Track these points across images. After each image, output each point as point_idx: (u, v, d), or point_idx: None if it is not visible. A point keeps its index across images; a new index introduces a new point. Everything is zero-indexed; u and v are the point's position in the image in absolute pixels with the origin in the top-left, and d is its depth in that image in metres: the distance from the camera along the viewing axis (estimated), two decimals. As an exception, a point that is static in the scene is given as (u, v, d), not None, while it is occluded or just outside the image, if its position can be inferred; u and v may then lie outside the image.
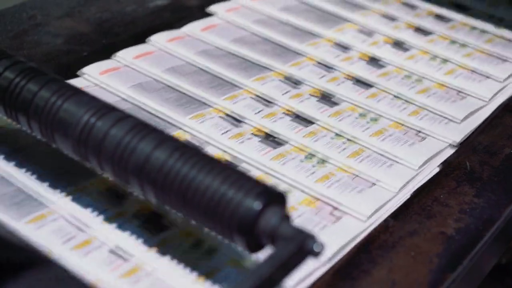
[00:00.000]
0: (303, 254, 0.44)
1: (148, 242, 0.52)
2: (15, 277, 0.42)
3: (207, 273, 0.50)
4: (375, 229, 0.56)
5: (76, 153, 0.51)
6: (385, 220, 0.57)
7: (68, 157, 0.54)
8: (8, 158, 0.58)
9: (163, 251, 0.51)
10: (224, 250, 0.51)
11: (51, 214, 0.53)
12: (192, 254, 0.51)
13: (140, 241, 0.52)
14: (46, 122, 0.52)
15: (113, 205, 0.55)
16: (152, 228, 0.53)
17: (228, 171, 0.46)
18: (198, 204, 0.46)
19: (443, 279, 0.52)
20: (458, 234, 0.56)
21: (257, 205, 0.44)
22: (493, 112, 0.72)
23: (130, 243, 0.52)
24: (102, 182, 0.56)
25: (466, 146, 0.66)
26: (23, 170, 0.57)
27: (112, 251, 0.51)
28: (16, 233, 0.49)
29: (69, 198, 0.55)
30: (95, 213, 0.54)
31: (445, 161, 0.64)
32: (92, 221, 0.53)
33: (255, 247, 0.45)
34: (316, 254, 0.43)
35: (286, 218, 0.45)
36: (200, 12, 0.86)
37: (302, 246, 0.43)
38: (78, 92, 0.52)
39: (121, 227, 0.53)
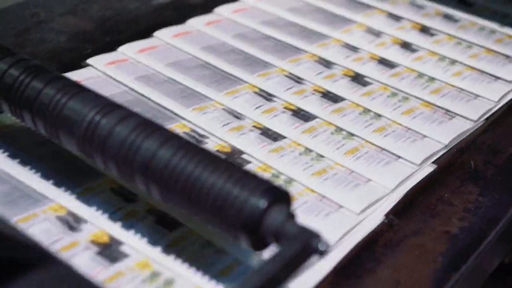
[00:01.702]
0: (308, 253, 0.43)
1: (161, 241, 0.52)
2: (18, 276, 0.42)
3: (221, 271, 0.50)
4: (379, 228, 0.56)
5: (80, 151, 0.51)
6: (389, 219, 0.57)
7: (71, 158, 0.54)
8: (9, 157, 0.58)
9: (176, 250, 0.51)
10: (235, 249, 0.51)
11: (44, 213, 0.53)
12: (205, 252, 0.51)
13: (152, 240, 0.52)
14: (51, 120, 0.52)
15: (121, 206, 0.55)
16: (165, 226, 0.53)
17: (233, 169, 0.46)
18: (203, 203, 0.45)
19: (447, 278, 0.52)
20: (462, 233, 0.56)
21: (262, 203, 0.44)
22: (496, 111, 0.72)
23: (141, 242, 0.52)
24: (108, 182, 0.57)
25: (470, 145, 0.66)
26: (25, 169, 0.57)
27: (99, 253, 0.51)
28: (18, 231, 0.49)
29: (75, 199, 0.55)
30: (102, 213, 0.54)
31: (447, 160, 0.64)
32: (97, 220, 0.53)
33: (260, 245, 0.45)
34: (321, 253, 0.43)
35: (291, 216, 0.45)
36: (203, 10, 0.86)
37: (307, 244, 0.43)
38: (82, 90, 0.52)
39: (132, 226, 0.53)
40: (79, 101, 0.51)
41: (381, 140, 0.65)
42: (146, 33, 0.79)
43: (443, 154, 0.65)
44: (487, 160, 0.65)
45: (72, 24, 0.81)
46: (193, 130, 0.64)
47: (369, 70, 0.76)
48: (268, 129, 0.65)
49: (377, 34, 0.84)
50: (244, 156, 0.62)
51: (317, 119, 0.67)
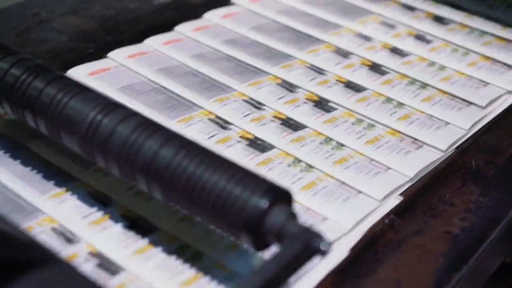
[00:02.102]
0: (309, 253, 0.43)
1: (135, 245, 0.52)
2: (21, 276, 0.42)
3: (193, 276, 0.50)
4: (380, 228, 0.56)
5: (82, 150, 0.51)
6: (390, 219, 0.57)
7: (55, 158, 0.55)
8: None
9: (149, 254, 0.51)
10: (211, 254, 0.51)
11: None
12: (179, 257, 0.51)
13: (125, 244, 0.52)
14: (52, 119, 0.52)
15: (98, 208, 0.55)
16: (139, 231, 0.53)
17: (235, 168, 0.46)
18: (205, 202, 0.45)
19: (449, 279, 0.52)
20: (463, 233, 0.56)
21: (263, 203, 0.44)
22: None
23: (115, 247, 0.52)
24: (86, 185, 0.57)
25: (471, 145, 0.66)
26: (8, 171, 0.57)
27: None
28: (21, 231, 0.49)
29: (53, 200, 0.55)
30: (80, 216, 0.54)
31: (449, 160, 0.64)
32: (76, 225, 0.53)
33: (261, 245, 0.45)
34: (322, 253, 0.43)
35: (292, 216, 0.45)
36: (203, 10, 0.86)
37: (309, 244, 0.43)
38: (84, 89, 0.52)
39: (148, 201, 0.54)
40: (81, 101, 0.51)
41: (406, 128, 0.66)
42: (147, 33, 0.79)
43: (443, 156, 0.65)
44: (488, 160, 0.65)
45: (73, 24, 0.81)
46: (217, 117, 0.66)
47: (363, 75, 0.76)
48: (290, 119, 0.66)
49: (391, 26, 0.84)
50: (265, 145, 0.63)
51: (339, 110, 0.68)
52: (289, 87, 0.72)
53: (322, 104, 0.69)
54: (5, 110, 0.56)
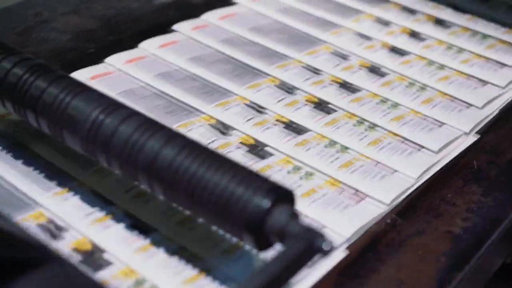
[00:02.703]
0: (311, 253, 0.43)
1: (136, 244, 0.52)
2: (23, 275, 0.42)
3: (196, 274, 0.50)
4: (382, 228, 0.56)
5: (84, 150, 0.51)
6: (392, 219, 0.57)
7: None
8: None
9: (150, 253, 0.51)
10: (208, 258, 0.51)
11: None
12: (182, 256, 0.51)
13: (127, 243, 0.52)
14: (55, 119, 0.52)
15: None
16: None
17: (237, 168, 0.46)
18: (207, 202, 0.45)
19: (451, 278, 0.52)
20: (465, 233, 0.56)
21: (266, 203, 0.44)
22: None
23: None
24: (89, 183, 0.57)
25: (473, 145, 0.66)
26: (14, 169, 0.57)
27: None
28: (21, 229, 0.49)
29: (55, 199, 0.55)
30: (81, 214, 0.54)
31: (451, 160, 0.64)
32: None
33: (263, 245, 0.45)
34: (325, 253, 0.43)
35: (295, 216, 0.45)
36: (205, 10, 0.86)
37: (311, 244, 0.43)
38: (86, 89, 0.52)
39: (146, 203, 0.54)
40: (83, 100, 0.51)
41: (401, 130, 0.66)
42: (148, 33, 0.79)
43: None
44: (490, 160, 0.65)
45: (74, 24, 0.81)
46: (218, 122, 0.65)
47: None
48: (292, 122, 0.66)
49: (385, 24, 0.84)
50: (267, 149, 0.63)
51: (338, 112, 0.68)
52: (288, 89, 0.72)
53: (322, 106, 0.69)
54: (8, 109, 0.56)
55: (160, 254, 0.51)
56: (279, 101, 0.69)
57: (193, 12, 0.85)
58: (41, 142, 0.60)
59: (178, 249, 0.51)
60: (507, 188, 0.61)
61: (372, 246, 0.54)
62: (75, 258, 0.50)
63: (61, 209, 0.54)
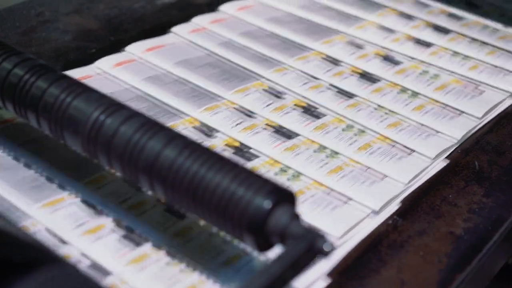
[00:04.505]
0: (313, 253, 0.43)
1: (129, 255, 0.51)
2: (25, 276, 0.42)
3: (230, 259, 0.50)
4: (384, 229, 0.56)
5: (85, 151, 0.51)
6: (394, 220, 0.57)
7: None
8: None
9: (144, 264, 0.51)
10: (206, 270, 0.51)
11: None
12: (212, 242, 0.51)
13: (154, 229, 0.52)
14: (56, 119, 0.52)
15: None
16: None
17: (238, 169, 0.46)
18: (208, 203, 0.45)
19: (452, 279, 0.52)
20: (467, 234, 0.56)
21: (267, 204, 0.44)
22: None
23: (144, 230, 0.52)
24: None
25: (475, 146, 0.66)
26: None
27: (124, 236, 0.52)
28: (21, 231, 0.49)
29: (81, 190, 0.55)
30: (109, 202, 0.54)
31: (452, 160, 0.64)
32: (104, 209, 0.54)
33: (264, 246, 0.45)
34: (325, 254, 0.43)
35: (296, 217, 0.45)
36: (207, 10, 0.86)
37: (312, 245, 0.43)
38: (87, 89, 0.52)
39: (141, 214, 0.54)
40: (84, 101, 0.51)
41: (395, 135, 0.66)
42: (151, 33, 0.79)
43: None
44: (492, 161, 0.64)
45: (77, 23, 0.81)
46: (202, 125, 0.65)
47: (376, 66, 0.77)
48: (282, 127, 0.66)
49: (388, 31, 0.84)
50: (253, 151, 0.62)
51: (327, 116, 0.68)
52: (308, 75, 0.73)
53: (310, 111, 0.69)
54: (9, 110, 0.56)
55: (153, 266, 0.50)
56: (267, 105, 0.69)
57: (196, 12, 0.85)
58: (32, 151, 0.59)
59: (172, 261, 0.50)
60: (509, 188, 0.61)
61: (373, 246, 0.54)
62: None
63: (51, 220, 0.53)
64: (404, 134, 0.66)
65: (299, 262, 0.43)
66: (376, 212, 0.57)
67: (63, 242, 0.51)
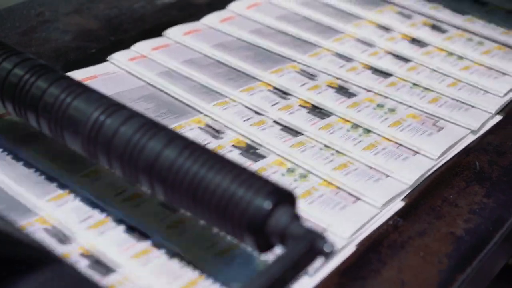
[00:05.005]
0: (313, 254, 0.43)
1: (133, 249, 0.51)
2: (25, 276, 0.42)
3: (223, 250, 0.50)
4: (384, 229, 0.56)
5: (85, 151, 0.51)
6: (394, 220, 0.57)
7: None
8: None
9: (148, 257, 0.51)
10: (200, 262, 0.51)
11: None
12: (179, 261, 0.51)
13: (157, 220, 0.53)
14: (56, 120, 0.51)
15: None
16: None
17: (238, 169, 0.46)
18: (208, 203, 0.45)
19: (453, 280, 0.52)
20: (467, 235, 0.56)
21: (267, 204, 0.44)
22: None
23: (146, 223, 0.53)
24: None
25: (476, 146, 0.66)
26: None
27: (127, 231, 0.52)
28: (20, 231, 0.49)
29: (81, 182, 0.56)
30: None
31: (453, 161, 0.64)
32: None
33: (264, 246, 0.45)
34: (326, 254, 0.43)
35: (296, 217, 0.45)
36: (208, 10, 0.86)
37: (312, 246, 0.43)
38: (87, 90, 0.52)
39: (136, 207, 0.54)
40: (84, 101, 0.51)
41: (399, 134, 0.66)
42: (151, 33, 0.79)
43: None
44: (492, 161, 0.64)
45: (77, 23, 0.81)
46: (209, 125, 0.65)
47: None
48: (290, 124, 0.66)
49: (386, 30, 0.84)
50: (263, 150, 0.63)
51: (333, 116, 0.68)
52: (310, 75, 0.73)
53: (343, 91, 0.71)
54: (7, 109, 0.56)
55: (156, 260, 0.50)
56: (274, 104, 0.69)
57: (196, 12, 0.85)
58: (28, 147, 0.59)
59: (173, 254, 0.51)
60: (509, 189, 0.61)
61: (373, 247, 0.54)
62: (84, 263, 0.50)
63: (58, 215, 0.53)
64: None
65: (299, 263, 0.43)
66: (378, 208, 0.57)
67: (67, 237, 0.52)
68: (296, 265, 0.42)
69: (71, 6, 0.84)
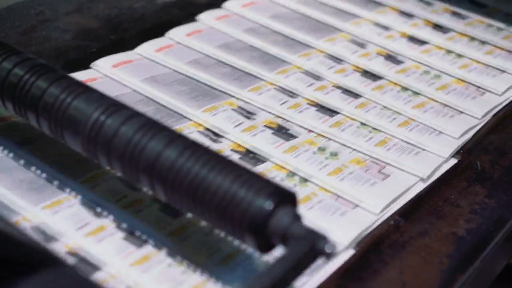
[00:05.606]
0: (314, 255, 0.43)
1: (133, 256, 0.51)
2: (25, 277, 0.42)
3: (224, 258, 0.50)
4: (385, 230, 0.56)
5: (85, 151, 0.51)
6: (396, 220, 0.57)
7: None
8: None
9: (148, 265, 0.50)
10: (202, 268, 0.50)
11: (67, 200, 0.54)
12: (208, 240, 0.51)
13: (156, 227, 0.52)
14: (56, 119, 0.51)
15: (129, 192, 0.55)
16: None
17: (239, 170, 0.46)
18: (209, 204, 0.45)
19: (454, 280, 0.52)
20: (469, 235, 0.56)
21: (268, 204, 0.44)
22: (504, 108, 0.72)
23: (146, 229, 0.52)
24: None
25: (477, 146, 0.66)
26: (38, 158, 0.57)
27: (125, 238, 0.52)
28: (20, 231, 0.49)
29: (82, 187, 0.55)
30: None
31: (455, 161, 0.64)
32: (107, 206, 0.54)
33: (266, 247, 0.45)
34: (327, 255, 0.43)
35: (297, 218, 0.44)
36: (208, 10, 0.86)
37: (314, 246, 0.43)
38: (88, 90, 0.52)
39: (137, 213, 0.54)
40: (84, 101, 0.51)
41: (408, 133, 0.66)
42: (151, 32, 0.79)
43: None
44: (494, 161, 0.64)
45: (77, 23, 0.81)
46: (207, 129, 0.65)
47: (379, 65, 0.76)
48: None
49: (384, 28, 0.83)
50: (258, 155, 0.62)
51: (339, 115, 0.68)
52: (315, 75, 0.74)
53: (349, 91, 0.71)
54: (8, 110, 0.56)
55: (157, 266, 0.50)
56: (282, 103, 0.69)
57: (196, 11, 0.85)
58: (27, 152, 0.59)
59: (175, 261, 0.50)
60: (510, 189, 0.61)
61: (375, 247, 0.54)
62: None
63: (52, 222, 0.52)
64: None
65: (300, 263, 0.43)
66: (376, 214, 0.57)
67: (65, 243, 0.51)
68: (297, 266, 0.42)
69: (71, 5, 0.84)
